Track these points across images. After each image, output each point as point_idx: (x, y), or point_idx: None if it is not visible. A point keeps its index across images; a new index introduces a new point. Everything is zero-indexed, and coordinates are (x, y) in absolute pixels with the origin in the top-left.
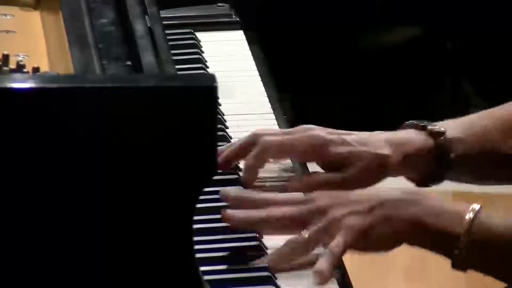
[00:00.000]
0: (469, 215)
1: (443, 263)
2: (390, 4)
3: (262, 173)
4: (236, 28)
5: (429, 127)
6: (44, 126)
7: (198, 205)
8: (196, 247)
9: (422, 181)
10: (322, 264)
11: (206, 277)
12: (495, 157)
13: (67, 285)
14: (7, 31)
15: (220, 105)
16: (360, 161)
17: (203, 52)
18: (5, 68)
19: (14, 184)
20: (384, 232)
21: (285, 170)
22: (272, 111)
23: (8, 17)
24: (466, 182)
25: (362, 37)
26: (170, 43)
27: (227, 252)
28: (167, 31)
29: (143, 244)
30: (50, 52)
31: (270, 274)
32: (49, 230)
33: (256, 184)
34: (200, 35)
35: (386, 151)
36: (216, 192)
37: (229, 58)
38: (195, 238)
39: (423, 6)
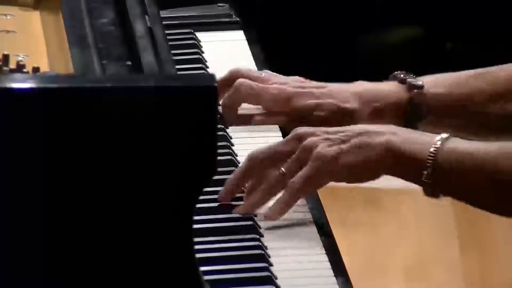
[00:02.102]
0: (437, 142)
1: (443, 263)
2: (390, 4)
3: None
4: (236, 28)
5: (408, 79)
6: (44, 126)
7: (198, 205)
8: (196, 247)
9: None
10: (275, 203)
11: (206, 277)
12: (480, 116)
13: (67, 285)
14: (7, 31)
15: (220, 105)
16: (323, 112)
17: (203, 52)
18: (5, 68)
19: (14, 184)
20: (356, 160)
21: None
22: None
23: (8, 17)
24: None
25: (362, 37)
26: (170, 43)
27: (227, 252)
28: (167, 31)
29: (143, 244)
30: (50, 52)
31: (270, 274)
32: (48, 230)
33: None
34: (200, 35)
35: (352, 104)
36: (216, 192)
37: (229, 58)
38: (195, 238)
39: (423, 6)
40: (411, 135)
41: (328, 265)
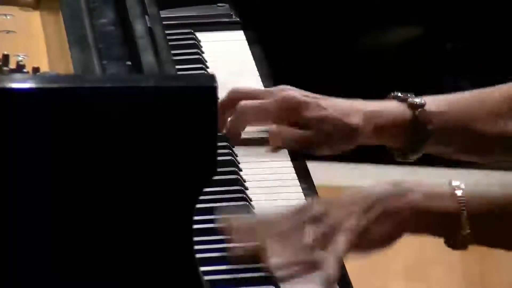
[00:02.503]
0: (458, 192)
1: (443, 263)
2: (390, 4)
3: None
4: (236, 28)
5: (410, 99)
6: (44, 126)
7: (198, 205)
8: (196, 247)
9: (402, 152)
10: (330, 266)
11: (206, 277)
12: (479, 135)
13: (67, 285)
14: (7, 31)
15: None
16: (328, 124)
17: (203, 52)
18: (5, 68)
19: (14, 184)
20: (384, 228)
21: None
22: None
23: (8, 17)
24: (446, 156)
25: (362, 37)
26: (170, 43)
27: (227, 252)
28: (167, 31)
29: (143, 244)
30: (50, 52)
31: (270, 274)
32: (48, 229)
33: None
34: (200, 35)
35: (355, 120)
36: (216, 192)
37: (229, 58)
38: (195, 238)
39: (423, 6)
40: (425, 188)
41: None
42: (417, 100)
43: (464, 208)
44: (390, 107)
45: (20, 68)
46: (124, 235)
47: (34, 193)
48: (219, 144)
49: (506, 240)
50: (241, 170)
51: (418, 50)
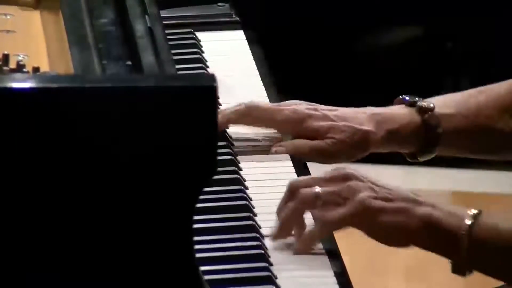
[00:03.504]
0: (469, 218)
1: (443, 263)
2: (390, 4)
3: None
4: (236, 28)
5: (418, 103)
6: (44, 126)
7: (198, 205)
8: (196, 247)
9: (413, 155)
10: (306, 235)
11: (206, 277)
12: (489, 132)
13: (67, 285)
14: (7, 31)
15: (220, 104)
16: (340, 134)
17: (203, 52)
18: (5, 68)
19: (14, 184)
20: (394, 222)
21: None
22: None
23: (8, 17)
24: (459, 155)
25: (362, 37)
26: (170, 43)
27: (227, 252)
28: (167, 31)
29: (143, 244)
30: (50, 52)
31: (270, 274)
32: (49, 230)
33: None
34: (200, 35)
35: (367, 126)
36: (216, 192)
37: (229, 58)
38: (195, 238)
39: (423, 6)
40: (447, 208)
41: (328, 264)
42: (425, 103)
43: (466, 230)
44: (399, 112)
45: (20, 68)
46: (124, 235)
47: (34, 193)
48: (219, 144)
49: (506, 272)
50: (241, 170)
51: (418, 50)
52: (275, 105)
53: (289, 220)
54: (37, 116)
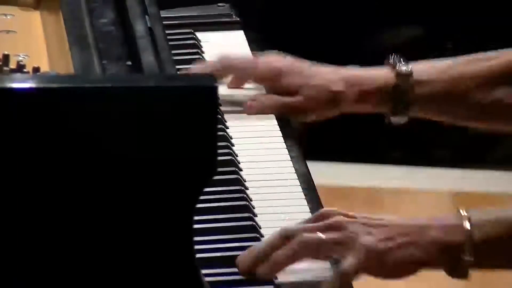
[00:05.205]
0: (465, 223)
1: None
2: (390, 4)
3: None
4: (236, 28)
5: (398, 66)
6: (44, 126)
7: (198, 205)
8: (196, 247)
9: (387, 116)
10: (331, 283)
11: (206, 278)
12: (466, 102)
13: (67, 285)
14: (7, 31)
15: (220, 105)
16: (309, 92)
17: (203, 52)
18: (5, 68)
19: (14, 184)
20: (408, 257)
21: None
22: None
23: (8, 17)
24: (435, 119)
25: (362, 37)
26: (170, 43)
27: (227, 252)
28: (167, 31)
29: (143, 244)
30: (50, 52)
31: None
32: (49, 230)
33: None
34: (200, 35)
35: (338, 87)
36: (216, 192)
37: None
38: (195, 238)
39: (423, 6)
40: (442, 222)
41: (328, 265)
42: (405, 68)
43: (470, 238)
44: (377, 73)
45: (20, 68)
46: (124, 235)
47: (34, 193)
48: (219, 144)
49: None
50: (241, 170)
51: (418, 50)
52: (250, 59)
53: (283, 263)
54: (37, 116)
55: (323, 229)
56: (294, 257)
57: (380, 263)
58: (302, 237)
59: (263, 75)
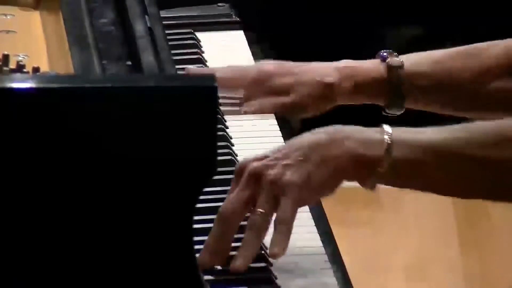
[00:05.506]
0: (386, 138)
1: (443, 262)
2: (390, 4)
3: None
4: (236, 28)
5: (389, 59)
6: (44, 126)
7: (198, 205)
8: (196, 247)
9: (383, 108)
10: (277, 238)
11: (206, 277)
12: (458, 94)
13: (67, 285)
14: (7, 31)
15: (220, 105)
16: (303, 87)
17: (203, 52)
18: (5, 68)
19: (14, 184)
20: (324, 174)
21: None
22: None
23: (8, 17)
24: (428, 110)
25: (362, 38)
26: (170, 43)
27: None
28: (167, 31)
29: (143, 244)
30: (50, 52)
31: (270, 274)
32: (49, 230)
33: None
34: (200, 35)
35: (331, 79)
36: (216, 192)
37: (229, 58)
38: (195, 238)
39: (423, 6)
40: (362, 134)
41: (328, 265)
42: (395, 61)
43: (387, 153)
44: (370, 66)
45: (20, 68)
46: (124, 235)
47: (34, 193)
48: (219, 144)
49: (426, 184)
50: None
51: (418, 50)
52: (239, 69)
53: (256, 251)
54: (37, 116)
55: (245, 188)
56: (259, 240)
57: (308, 189)
58: (251, 225)
59: (254, 78)
